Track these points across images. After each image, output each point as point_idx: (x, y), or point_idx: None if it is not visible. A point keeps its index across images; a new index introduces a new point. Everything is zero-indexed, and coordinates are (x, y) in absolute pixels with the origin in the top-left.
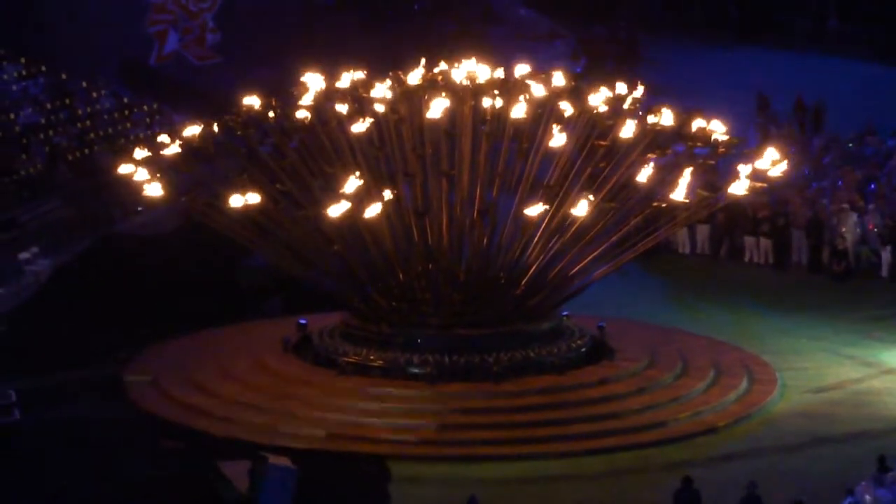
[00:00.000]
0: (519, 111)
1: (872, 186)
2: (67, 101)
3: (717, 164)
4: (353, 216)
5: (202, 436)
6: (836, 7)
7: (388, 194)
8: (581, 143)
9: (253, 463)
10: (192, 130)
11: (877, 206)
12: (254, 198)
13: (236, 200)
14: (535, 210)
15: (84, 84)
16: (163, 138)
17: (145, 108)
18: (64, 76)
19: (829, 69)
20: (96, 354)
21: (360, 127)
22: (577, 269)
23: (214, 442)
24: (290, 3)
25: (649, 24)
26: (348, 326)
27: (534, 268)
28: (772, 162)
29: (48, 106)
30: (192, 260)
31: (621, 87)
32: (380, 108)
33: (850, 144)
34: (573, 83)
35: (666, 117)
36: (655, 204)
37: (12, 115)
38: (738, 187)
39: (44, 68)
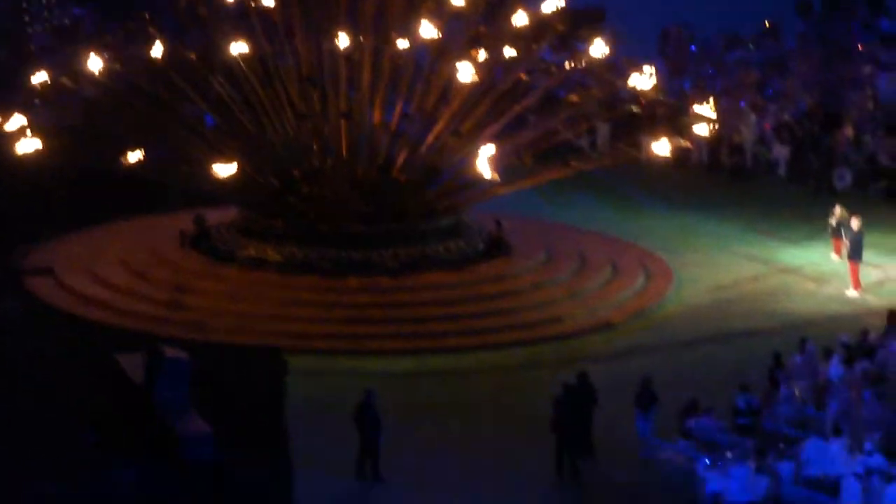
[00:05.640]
0: (429, 30)
1: (772, 88)
2: None
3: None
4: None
5: (100, 328)
6: None
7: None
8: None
9: (149, 354)
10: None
11: (776, 106)
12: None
13: (130, 157)
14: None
15: None
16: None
17: (43, 1)
18: None
19: None
20: None
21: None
22: (473, 173)
23: (112, 334)
24: None
25: None
26: (246, 221)
27: (424, 165)
28: (699, 119)
29: None
30: (91, 153)
31: (548, 4)
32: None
33: (751, 45)
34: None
35: (598, 50)
36: (573, 164)
37: None
38: (662, 147)
39: None
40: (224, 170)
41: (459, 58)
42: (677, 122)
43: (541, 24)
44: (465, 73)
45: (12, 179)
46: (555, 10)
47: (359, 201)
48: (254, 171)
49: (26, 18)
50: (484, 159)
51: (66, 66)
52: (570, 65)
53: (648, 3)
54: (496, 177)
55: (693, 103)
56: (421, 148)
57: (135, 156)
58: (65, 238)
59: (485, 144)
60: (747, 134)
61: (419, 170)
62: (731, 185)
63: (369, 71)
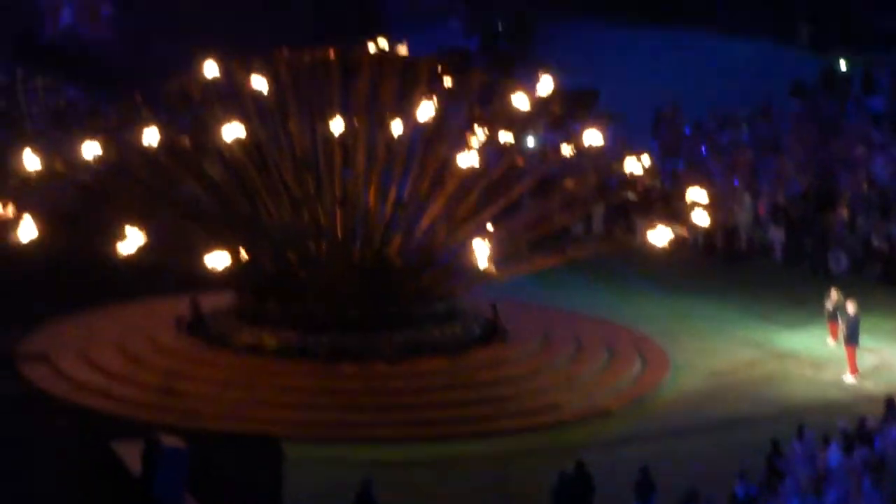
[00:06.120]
0: (426, 111)
1: (766, 167)
2: None
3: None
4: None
5: (96, 415)
6: None
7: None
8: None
9: (146, 443)
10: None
11: (770, 188)
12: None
13: (128, 243)
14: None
15: None
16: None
17: (39, 81)
18: None
19: (724, 48)
20: None
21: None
22: (468, 258)
23: (109, 421)
24: None
25: (549, 2)
26: (242, 306)
27: (427, 252)
28: (696, 205)
29: None
30: (88, 236)
31: (544, 85)
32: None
33: (744, 125)
34: (485, 79)
35: (593, 137)
36: (569, 252)
37: None
38: (660, 236)
39: None
40: (217, 260)
41: (454, 141)
42: (673, 209)
43: (536, 107)
44: (464, 158)
45: (5, 263)
46: (550, 91)
47: (355, 285)
48: (249, 256)
49: (21, 99)
50: (480, 250)
51: (61, 149)
52: (565, 148)
53: (641, 83)
54: (492, 269)
55: (688, 186)
56: (416, 232)
57: (130, 242)
58: (60, 323)
59: (480, 234)
60: (742, 216)
61: (415, 254)
62: (727, 267)
63: (364, 154)
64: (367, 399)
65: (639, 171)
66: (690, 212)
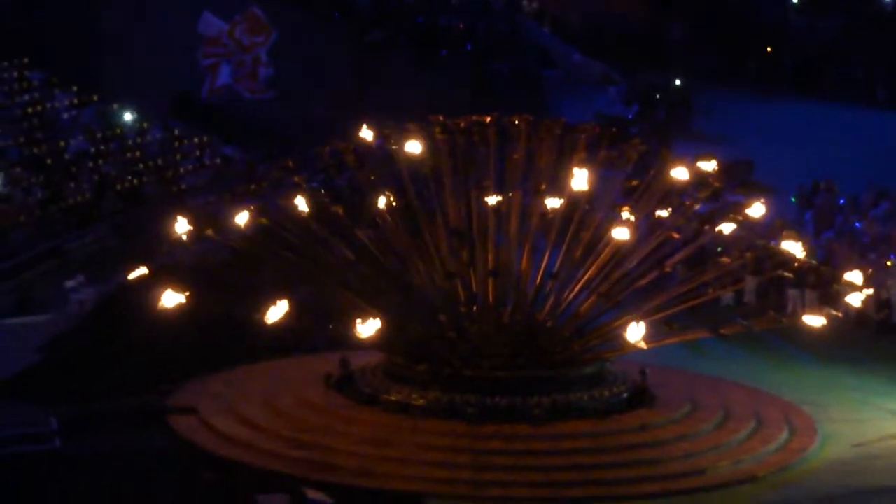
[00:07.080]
0: (580, 181)
1: None
2: (118, 130)
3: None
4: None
5: (242, 468)
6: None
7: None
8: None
9: (291, 496)
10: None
11: None
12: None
13: (274, 313)
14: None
15: (135, 114)
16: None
17: (195, 140)
18: (115, 105)
19: (882, 124)
20: (139, 384)
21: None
22: (620, 322)
23: (254, 474)
24: (344, 39)
25: (703, 73)
26: (391, 365)
27: (578, 315)
28: (851, 286)
29: (98, 135)
30: (238, 298)
31: (706, 165)
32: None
33: None
34: (643, 149)
35: (754, 210)
36: (722, 331)
37: (62, 143)
38: (815, 319)
39: (95, 97)
40: (367, 329)
41: (609, 210)
42: (827, 290)
43: (694, 179)
44: (618, 230)
45: (157, 324)
46: (711, 168)
47: (504, 348)
48: (400, 319)
49: (178, 156)
50: (633, 327)
51: (213, 209)
52: (723, 223)
53: (796, 155)
54: (643, 345)
55: (841, 260)
56: (567, 298)
57: (279, 308)
58: (209, 378)
59: (632, 306)
60: (895, 288)
61: (565, 319)
62: (878, 339)
63: (517, 222)
64: (506, 460)
65: (795, 250)
66: (845, 294)
